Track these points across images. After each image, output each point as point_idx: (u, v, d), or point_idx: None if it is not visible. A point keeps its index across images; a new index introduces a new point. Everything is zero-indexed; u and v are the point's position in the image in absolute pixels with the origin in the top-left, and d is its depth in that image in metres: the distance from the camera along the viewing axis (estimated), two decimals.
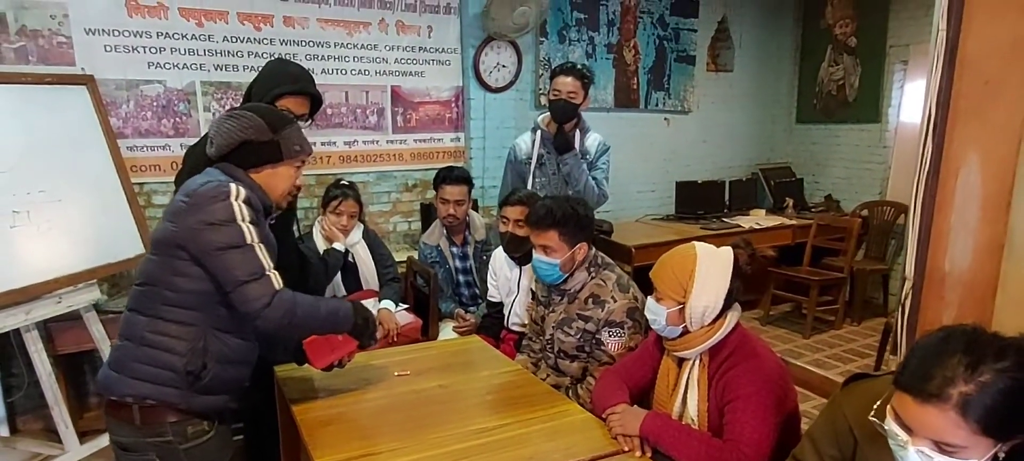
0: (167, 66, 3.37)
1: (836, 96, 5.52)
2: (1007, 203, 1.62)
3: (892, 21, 5.08)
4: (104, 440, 2.73)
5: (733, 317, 1.64)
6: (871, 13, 5.20)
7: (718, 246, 1.71)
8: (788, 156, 5.95)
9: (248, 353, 1.66)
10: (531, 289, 2.68)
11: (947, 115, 1.68)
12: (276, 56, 3.19)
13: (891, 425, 1.10)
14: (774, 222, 5.08)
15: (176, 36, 3.36)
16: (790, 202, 5.40)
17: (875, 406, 1.16)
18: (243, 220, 1.51)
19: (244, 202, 1.53)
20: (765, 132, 5.95)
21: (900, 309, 1.90)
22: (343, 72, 3.81)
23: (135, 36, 3.27)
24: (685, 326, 1.64)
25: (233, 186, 1.53)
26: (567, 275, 2.14)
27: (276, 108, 1.78)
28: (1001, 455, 1.08)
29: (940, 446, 1.05)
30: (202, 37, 3.42)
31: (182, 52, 3.39)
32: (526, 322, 2.70)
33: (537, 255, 2.15)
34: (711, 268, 1.63)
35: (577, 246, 2.10)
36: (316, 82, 2.20)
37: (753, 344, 1.65)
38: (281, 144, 1.63)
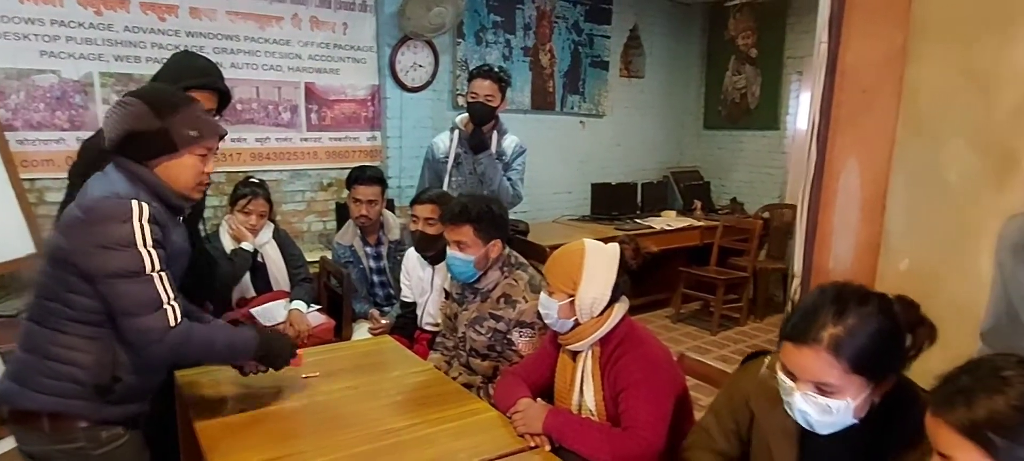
0: (62, 56, 3.18)
1: (739, 104, 5.82)
2: (882, 205, 1.75)
3: (788, 34, 5.41)
4: (7, 444, 2.53)
5: (620, 309, 1.71)
6: (769, 26, 5.51)
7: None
8: (697, 160, 6.21)
9: None
10: (444, 288, 2.68)
11: (829, 122, 1.80)
12: (182, 48, 3.06)
13: (779, 376, 1.22)
14: (684, 223, 5.29)
15: (72, 24, 3.17)
16: (699, 204, 5.64)
17: (766, 361, 1.27)
18: (144, 243, 1.39)
19: (148, 221, 1.40)
20: (675, 137, 6.19)
21: (790, 304, 2.02)
22: (254, 67, 3.70)
23: (27, 23, 3.07)
24: (576, 318, 1.70)
25: (135, 204, 1.39)
26: (481, 274, 2.15)
27: (168, 88, 1.62)
28: (876, 399, 1.19)
29: (820, 388, 1.17)
30: (101, 26, 3.24)
31: (78, 41, 3.20)
32: (440, 321, 2.71)
33: (451, 251, 2.16)
34: (598, 261, 1.70)
35: (490, 243, 2.13)
36: (225, 77, 2.13)
37: (639, 333, 1.73)
38: (171, 132, 1.46)
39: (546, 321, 1.78)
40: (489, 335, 2.12)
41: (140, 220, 1.39)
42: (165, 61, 2.10)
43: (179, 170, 1.50)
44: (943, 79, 1.60)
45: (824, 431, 1.21)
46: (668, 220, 5.36)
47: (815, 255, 1.93)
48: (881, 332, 1.16)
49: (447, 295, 2.67)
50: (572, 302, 1.69)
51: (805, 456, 1.32)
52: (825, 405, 1.17)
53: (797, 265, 1.98)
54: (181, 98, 1.53)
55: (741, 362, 1.54)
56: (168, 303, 1.42)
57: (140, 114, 1.45)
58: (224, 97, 2.08)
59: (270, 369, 1.73)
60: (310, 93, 3.94)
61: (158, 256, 1.41)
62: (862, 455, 1.25)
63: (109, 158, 1.51)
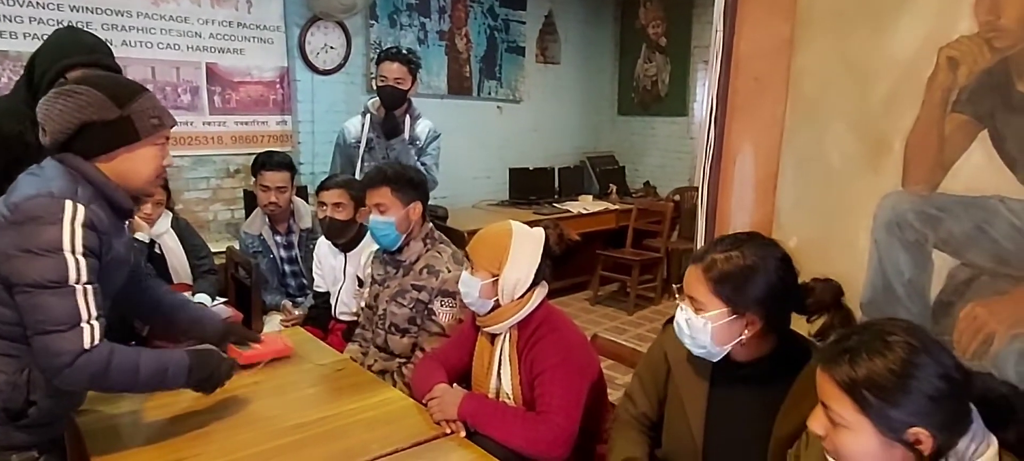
0: None
1: (651, 91, 5.99)
2: (774, 186, 1.85)
3: (695, 23, 5.60)
4: None
5: (540, 293, 1.74)
6: (677, 16, 5.69)
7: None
8: (612, 146, 6.36)
9: None
10: (358, 276, 2.64)
11: (725, 109, 1.89)
12: (66, 23, 2.84)
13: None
14: (600, 207, 5.41)
15: None
16: (614, 188, 5.78)
17: (676, 287, 1.48)
18: (73, 250, 1.26)
19: (83, 225, 1.27)
20: (591, 122, 6.31)
21: (679, 289, 2.12)
22: (148, 45, 3.49)
23: None
24: (497, 299, 1.71)
25: (69, 205, 1.27)
26: (403, 244, 2.14)
27: (119, 76, 1.51)
28: (744, 335, 1.33)
29: (693, 301, 1.36)
30: None
31: None
32: (354, 310, 2.66)
33: (372, 217, 2.13)
34: (524, 244, 1.72)
35: (410, 205, 2.12)
36: (116, 56, 1.98)
37: (557, 319, 1.76)
38: (134, 120, 1.34)
39: (466, 300, 1.78)
40: (412, 306, 2.11)
41: (72, 222, 1.26)
42: (45, 38, 1.93)
43: (139, 163, 1.39)
44: (826, 68, 1.70)
45: (691, 347, 1.38)
46: (585, 204, 5.47)
47: (715, 233, 2.02)
48: (751, 270, 1.31)
49: (360, 283, 2.63)
50: (495, 282, 1.70)
51: (714, 404, 1.42)
52: (689, 318, 1.35)
53: (700, 243, 2.07)
54: (135, 85, 1.43)
55: (662, 325, 1.63)
56: (87, 321, 1.28)
57: (96, 103, 1.32)
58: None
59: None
60: (212, 74, 3.76)
61: (87, 266, 1.28)
62: (762, 393, 1.36)
63: (38, 152, 1.37)
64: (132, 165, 1.38)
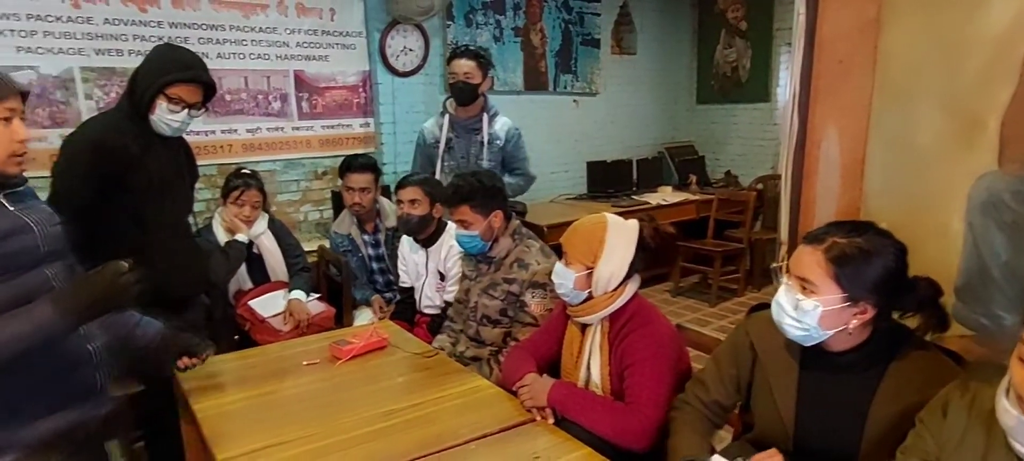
0: (40, 51, 3.15)
1: (730, 77, 5.83)
2: (861, 171, 1.80)
3: (777, 6, 5.41)
4: None
5: (632, 286, 1.75)
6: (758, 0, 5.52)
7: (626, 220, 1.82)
8: (690, 135, 6.24)
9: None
10: (439, 270, 2.73)
11: (809, 93, 1.85)
12: (164, 40, 3.07)
13: (781, 276, 1.39)
14: (680, 198, 5.33)
15: (49, 18, 3.14)
16: (693, 179, 5.67)
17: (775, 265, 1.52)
18: None
19: None
20: (668, 112, 6.21)
21: (779, 270, 2.08)
22: (241, 56, 3.70)
23: (1, 19, 3.03)
24: (590, 291, 1.74)
25: None
26: (491, 243, 2.22)
27: None
28: (851, 325, 1.30)
29: (802, 283, 1.33)
30: (80, 19, 3.22)
31: (57, 35, 3.17)
32: (438, 303, 2.76)
33: (458, 231, 2.24)
34: (619, 237, 1.74)
35: (491, 214, 2.19)
36: (211, 68, 2.12)
37: (649, 312, 1.77)
38: None
39: (559, 292, 1.81)
40: (503, 298, 2.18)
41: None
42: (147, 54, 2.10)
43: None
44: (914, 47, 1.64)
45: (789, 328, 1.34)
46: (664, 195, 5.40)
47: (801, 221, 1.98)
48: (883, 264, 1.28)
49: (442, 277, 2.73)
50: (589, 275, 1.73)
51: (804, 387, 1.41)
52: (797, 300, 1.32)
53: (784, 233, 2.03)
54: None
55: (748, 311, 1.62)
56: None
57: None
58: (209, 89, 2.10)
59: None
60: (300, 81, 3.96)
61: None
62: (857, 380, 1.34)
63: (143, 164, 1.48)
64: None
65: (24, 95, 1.40)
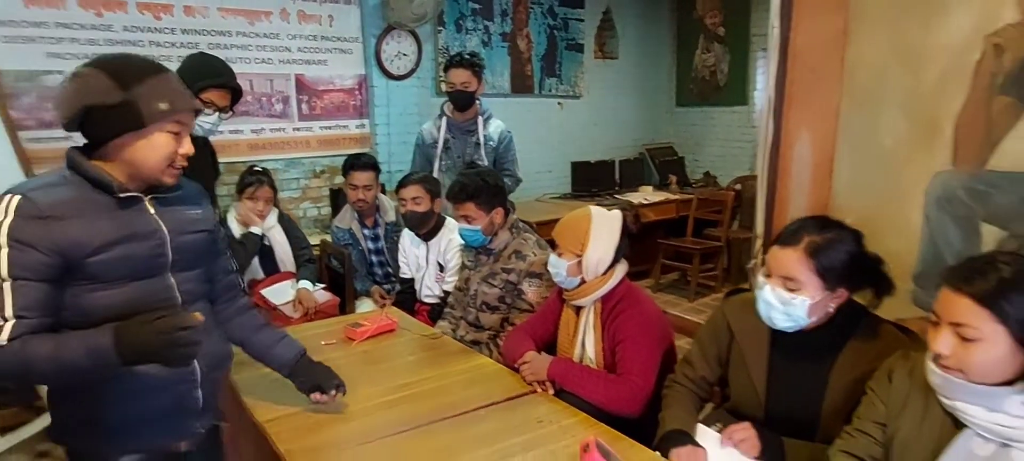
0: (67, 57, 3.33)
1: (709, 81, 6.06)
2: (830, 170, 2.00)
3: (753, 13, 5.65)
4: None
5: (621, 270, 1.94)
6: (735, 5, 5.75)
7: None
8: (671, 137, 6.46)
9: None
10: (438, 262, 2.90)
11: (783, 99, 2.05)
12: (177, 45, 3.22)
13: (758, 276, 1.51)
14: (660, 198, 5.53)
15: (74, 26, 3.34)
16: (674, 179, 5.88)
17: (751, 264, 1.55)
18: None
19: (18, 215, 1.18)
20: (649, 115, 6.42)
21: (754, 270, 2.27)
22: (246, 61, 3.86)
23: (33, 26, 3.24)
24: (582, 277, 1.92)
25: (8, 197, 1.21)
26: (491, 237, 2.39)
27: (135, 56, 1.32)
28: (830, 308, 1.46)
29: (786, 282, 1.45)
30: (102, 27, 3.40)
31: (82, 42, 3.36)
32: (437, 293, 2.93)
33: (462, 225, 2.41)
34: (603, 225, 1.92)
35: (493, 212, 2.37)
36: None
37: (637, 293, 1.95)
38: (139, 104, 1.23)
39: (555, 279, 1.99)
40: (501, 286, 2.36)
41: (5, 213, 1.18)
42: (181, 61, 2.24)
43: (146, 151, 1.27)
44: (878, 58, 1.85)
45: (779, 322, 1.49)
46: (645, 195, 5.60)
47: (775, 218, 2.18)
48: (848, 251, 1.45)
49: (441, 269, 2.89)
50: (579, 262, 1.91)
51: (773, 362, 1.59)
52: (786, 297, 1.45)
53: (759, 227, 2.23)
54: (148, 66, 1.29)
55: (725, 296, 1.80)
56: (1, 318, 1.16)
57: (99, 86, 1.22)
58: (237, 94, 2.25)
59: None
60: (300, 84, 4.10)
61: (16, 258, 1.17)
62: (819, 355, 1.51)
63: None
64: (140, 155, 1.27)
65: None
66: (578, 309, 1.99)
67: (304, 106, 4.14)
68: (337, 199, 4.01)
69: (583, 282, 1.93)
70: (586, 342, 1.95)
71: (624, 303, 1.90)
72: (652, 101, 6.42)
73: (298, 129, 4.14)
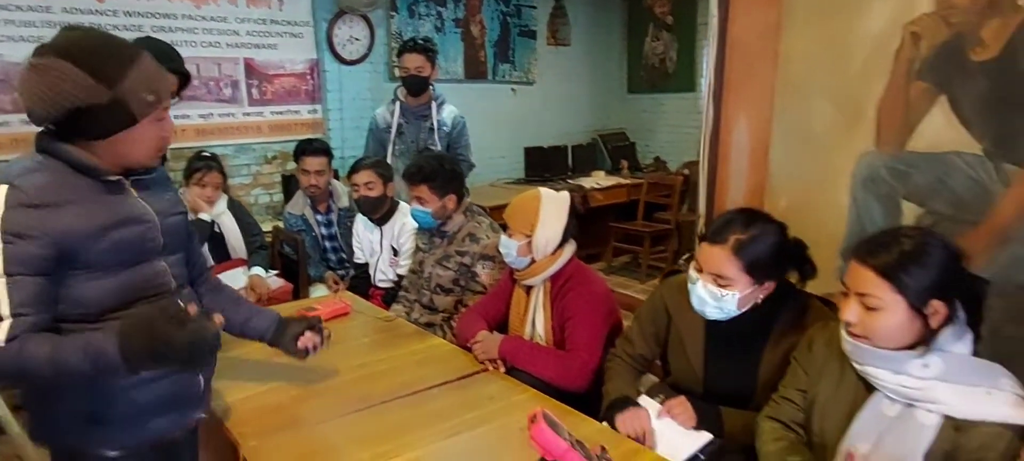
0: (3, 38, 3.21)
1: (659, 68, 6.19)
2: (766, 155, 2.11)
3: (700, 1, 5.78)
4: None
5: (569, 249, 2.00)
6: None
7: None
8: (622, 123, 6.58)
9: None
10: (392, 246, 2.93)
11: (722, 86, 2.14)
12: (120, 27, 3.14)
13: (690, 270, 1.57)
14: (612, 182, 5.64)
15: (11, 7, 3.22)
16: (625, 164, 6.00)
17: (684, 259, 1.60)
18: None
19: (16, 205, 1.12)
20: (601, 101, 6.53)
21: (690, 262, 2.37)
22: (193, 44, 3.78)
23: None
24: (532, 256, 1.98)
25: (4, 188, 1.13)
26: (442, 221, 2.43)
27: (94, 34, 1.23)
28: (759, 298, 1.54)
29: (717, 279, 1.51)
30: (40, 8, 3.29)
31: (17, 23, 3.25)
32: (391, 277, 2.96)
33: (413, 205, 2.44)
34: (552, 206, 1.99)
35: (446, 197, 2.41)
36: None
37: (585, 272, 2.02)
38: (128, 102, 1.17)
39: (506, 259, 2.05)
40: (455, 269, 2.40)
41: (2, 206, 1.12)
42: None
43: (136, 143, 1.23)
44: (808, 49, 1.96)
45: (711, 315, 1.56)
46: (597, 179, 5.70)
47: (716, 200, 2.29)
48: (773, 246, 1.51)
49: (395, 253, 2.92)
50: (529, 242, 1.97)
51: (709, 341, 1.67)
52: (718, 293, 1.52)
53: (702, 208, 2.34)
54: (123, 52, 1.20)
55: (661, 277, 1.88)
56: None
57: (82, 86, 1.13)
58: (185, 79, 2.22)
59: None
60: (250, 68, 4.04)
61: (10, 253, 1.11)
62: (753, 333, 1.60)
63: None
64: (129, 147, 1.23)
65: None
66: (528, 289, 2.06)
67: (254, 91, 4.09)
68: (290, 185, 3.98)
69: (533, 262, 1.99)
70: (536, 321, 2.02)
71: (573, 282, 1.97)
72: (604, 87, 6.52)
73: (248, 114, 4.08)
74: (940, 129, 1.71)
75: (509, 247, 2.00)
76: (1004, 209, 1.60)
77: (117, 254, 1.23)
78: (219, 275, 2.91)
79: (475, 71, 5.45)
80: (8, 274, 1.11)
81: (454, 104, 3.56)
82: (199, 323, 1.13)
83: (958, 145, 1.68)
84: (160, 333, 1.09)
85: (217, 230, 2.99)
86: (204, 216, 2.88)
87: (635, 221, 5.51)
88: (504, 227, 2.07)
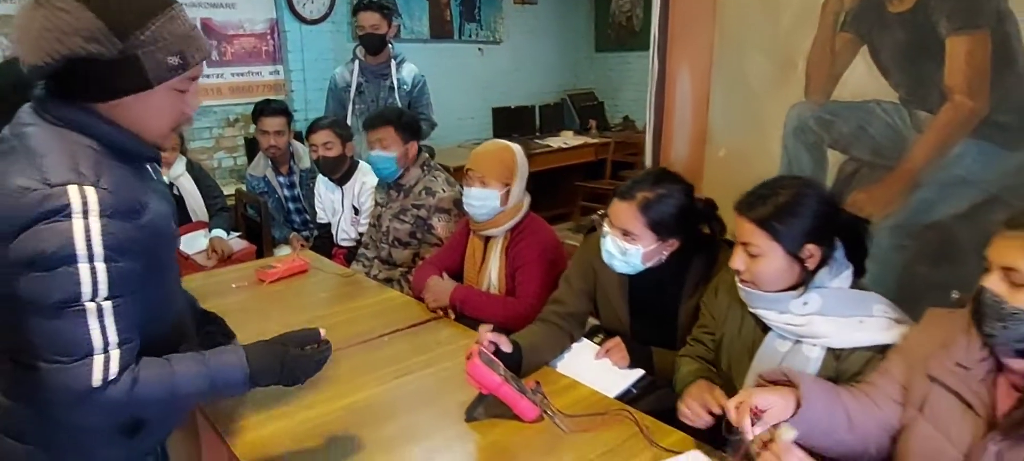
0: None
1: (626, 27, 6.22)
2: (706, 104, 2.18)
3: None
4: None
5: (527, 200, 2.09)
6: None
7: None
8: (590, 82, 6.61)
9: None
10: (353, 206, 2.98)
11: (666, 38, 2.20)
12: None
13: (603, 224, 1.65)
14: (580, 142, 5.70)
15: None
16: (593, 123, 6.06)
17: (599, 213, 1.69)
18: (89, 256, 0.91)
19: (102, 214, 0.92)
20: (569, 60, 6.54)
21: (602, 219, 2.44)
22: None
23: None
24: (506, 207, 2.03)
25: (73, 191, 0.91)
26: (403, 170, 2.48)
27: None
28: (664, 254, 1.62)
29: (625, 233, 1.60)
30: None
31: None
32: (353, 236, 3.01)
33: (374, 151, 2.47)
34: (522, 159, 2.07)
35: (408, 144, 2.46)
36: None
37: (537, 223, 2.11)
38: (141, 60, 0.94)
39: (478, 210, 2.04)
40: (412, 222, 2.46)
41: (85, 217, 0.91)
42: None
43: (148, 113, 1.00)
44: (743, 2, 2.01)
45: (619, 268, 1.65)
46: (565, 139, 5.75)
47: (662, 150, 2.36)
48: (678, 206, 1.59)
49: (356, 212, 2.97)
50: (508, 191, 2.02)
51: (632, 293, 1.77)
52: (623, 247, 1.60)
53: (648, 161, 2.41)
54: (153, 6, 0.96)
55: (584, 235, 1.96)
56: (103, 350, 0.94)
57: (91, 33, 0.91)
58: None
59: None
60: (208, 29, 4.00)
61: (111, 273, 0.93)
62: (671, 281, 1.70)
63: (22, 97, 1.00)
64: (140, 114, 0.99)
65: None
66: (487, 239, 2.12)
67: (213, 52, 4.05)
68: (253, 148, 3.98)
69: (502, 212, 2.04)
70: (492, 271, 2.09)
71: (526, 232, 2.06)
72: (572, 46, 6.53)
73: (207, 76, 4.04)
74: (862, 79, 1.79)
75: (487, 198, 2.01)
76: (916, 154, 1.69)
77: (172, 250, 1.13)
78: (180, 237, 2.94)
79: (441, 30, 5.43)
80: (113, 297, 0.95)
81: (420, 65, 3.57)
82: (324, 350, 1.22)
83: (878, 94, 1.77)
84: (290, 359, 1.15)
85: (176, 193, 3.01)
86: (162, 179, 2.89)
87: (603, 180, 5.59)
88: (472, 176, 2.05)
